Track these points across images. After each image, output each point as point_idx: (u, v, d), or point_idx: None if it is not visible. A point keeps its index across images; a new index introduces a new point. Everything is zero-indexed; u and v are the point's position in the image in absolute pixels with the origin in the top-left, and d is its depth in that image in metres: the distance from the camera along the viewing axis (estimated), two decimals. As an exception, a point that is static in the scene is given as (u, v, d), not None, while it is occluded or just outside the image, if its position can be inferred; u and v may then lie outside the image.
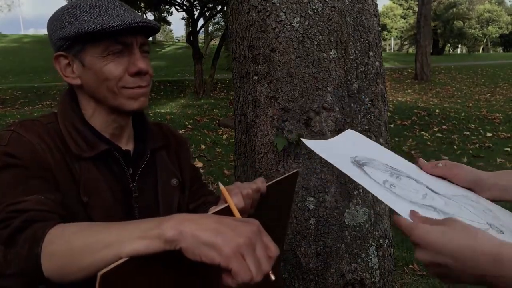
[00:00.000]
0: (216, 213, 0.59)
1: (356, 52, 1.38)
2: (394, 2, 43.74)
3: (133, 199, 0.85)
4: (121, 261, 0.48)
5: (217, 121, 7.53)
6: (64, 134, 0.79)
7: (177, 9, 12.28)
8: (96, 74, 0.78)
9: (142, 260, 0.50)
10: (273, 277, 0.52)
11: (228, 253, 0.48)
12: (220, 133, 6.75)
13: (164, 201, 0.90)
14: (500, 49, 43.15)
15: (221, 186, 0.68)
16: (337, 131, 1.37)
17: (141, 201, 0.86)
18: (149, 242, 0.50)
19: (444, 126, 7.06)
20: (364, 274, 1.45)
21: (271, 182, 0.73)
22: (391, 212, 1.59)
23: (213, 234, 0.49)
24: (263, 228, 0.54)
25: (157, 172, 0.91)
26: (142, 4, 12.28)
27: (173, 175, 0.93)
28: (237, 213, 0.59)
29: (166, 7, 13.61)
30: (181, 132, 5.97)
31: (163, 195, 0.90)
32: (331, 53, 1.35)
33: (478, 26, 37.71)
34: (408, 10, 42.56)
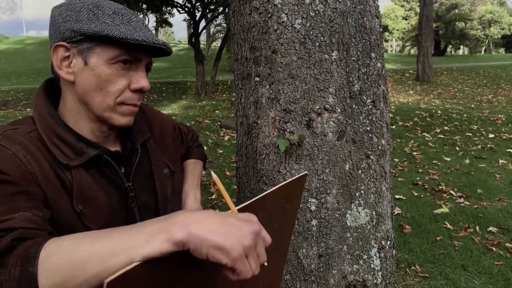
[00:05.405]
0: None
1: (358, 53, 1.38)
2: (395, 3, 43.70)
3: (129, 200, 0.83)
4: (130, 266, 0.47)
5: (218, 123, 7.54)
6: (47, 144, 0.75)
7: (178, 11, 12.30)
8: (97, 77, 0.75)
9: (149, 264, 0.50)
10: (265, 264, 0.58)
11: (235, 256, 0.52)
12: (221, 134, 6.75)
13: (162, 194, 0.89)
14: (502, 50, 43.05)
15: (214, 176, 0.65)
16: (339, 132, 1.37)
17: (139, 199, 0.85)
18: (159, 245, 0.50)
19: (446, 127, 7.05)
20: (366, 275, 1.45)
21: (281, 184, 0.73)
22: (393, 213, 1.58)
23: (221, 237, 0.52)
24: (272, 230, 0.56)
25: (151, 165, 0.89)
26: (144, 5, 12.29)
27: (164, 165, 0.92)
28: (233, 208, 0.61)
29: (168, 8, 13.64)
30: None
31: (160, 187, 0.89)
32: (332, 54, 1.35)
33: (480, 27, 37.62)
34: (410, 11, 42.53)
